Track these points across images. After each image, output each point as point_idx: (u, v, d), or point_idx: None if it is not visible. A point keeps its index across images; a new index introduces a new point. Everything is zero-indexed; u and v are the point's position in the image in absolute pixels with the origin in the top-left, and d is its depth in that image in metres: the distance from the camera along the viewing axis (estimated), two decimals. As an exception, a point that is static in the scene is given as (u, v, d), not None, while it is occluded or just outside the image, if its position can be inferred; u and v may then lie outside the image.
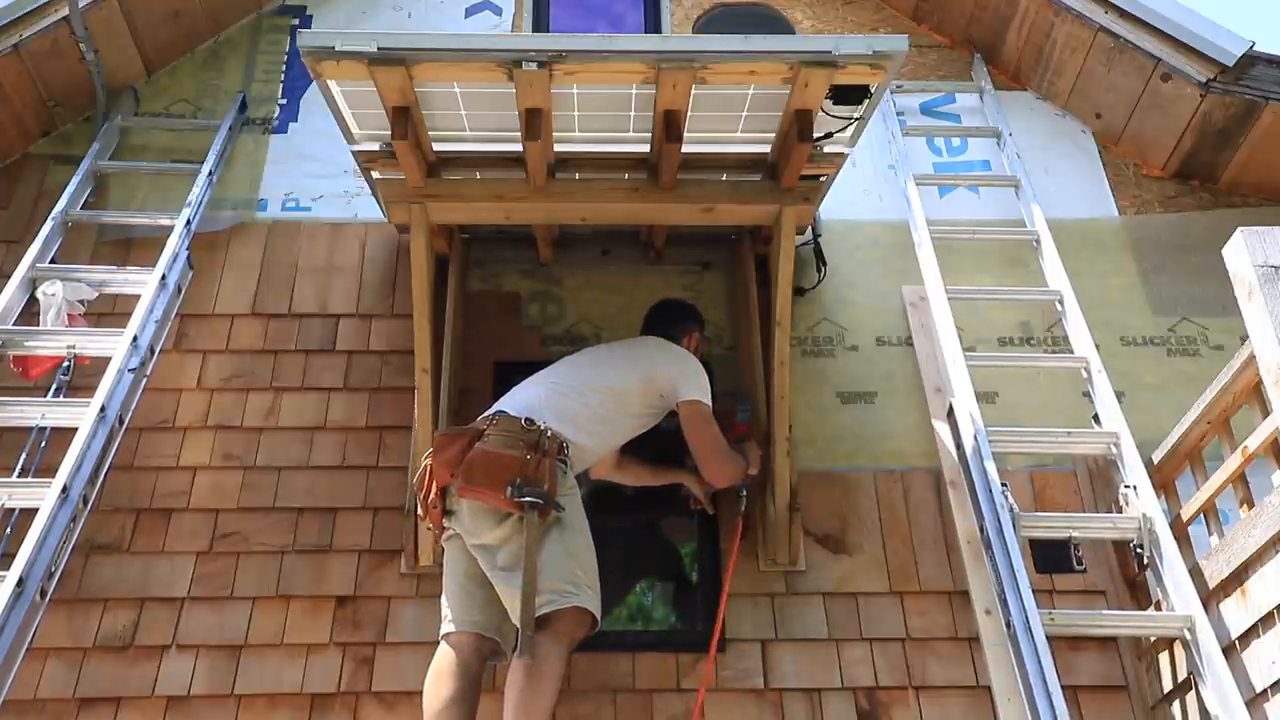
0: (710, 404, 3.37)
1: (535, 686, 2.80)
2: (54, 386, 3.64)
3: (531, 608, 2.81)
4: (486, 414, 3.17)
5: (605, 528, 3.22)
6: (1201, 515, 3.38)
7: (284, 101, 4.75)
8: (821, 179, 3.62)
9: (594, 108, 3.30)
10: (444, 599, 3.11)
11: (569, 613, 2.89)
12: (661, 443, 3.51)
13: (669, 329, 3.63)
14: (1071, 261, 4.18)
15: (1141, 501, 3.38)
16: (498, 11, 5.06)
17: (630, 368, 3.40)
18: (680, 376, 3.37)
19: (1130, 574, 3.57)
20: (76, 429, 3.31)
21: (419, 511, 3.18)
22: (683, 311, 3.76)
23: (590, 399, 3.25)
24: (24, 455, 3.55)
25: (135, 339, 3.60)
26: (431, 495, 3.05)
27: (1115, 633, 3.44)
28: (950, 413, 3.69)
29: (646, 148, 3.44)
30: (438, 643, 3.04)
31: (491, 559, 2.97)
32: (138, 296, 3.77)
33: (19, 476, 3.47)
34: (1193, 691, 3.09)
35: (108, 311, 3.97)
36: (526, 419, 3.07)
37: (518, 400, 3.21)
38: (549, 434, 3.05)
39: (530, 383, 3.33)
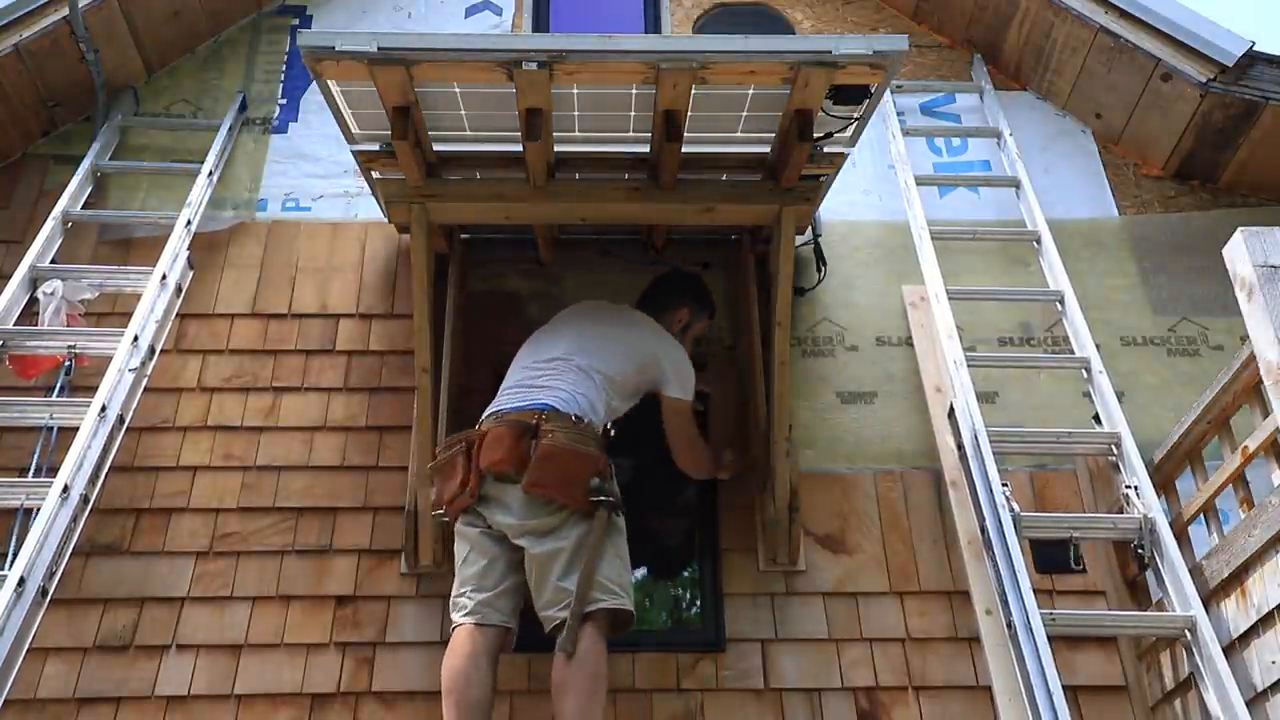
0: (692, 399, 3.48)
1: (594, 688, 2.86)
2: (57, 386, 3.64)
3: (585, 601, 2.89)
4: (525, 406, 3.16)
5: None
6: (1201, 515, 3.38)
7: (284, 101, 4.74)
8: (821, 179, 3.61)
9: (594, 108, 3.30)
10: (462, 586, 3.09)
11: (618, 613, 2.98)
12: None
13: (656, 307, 3.68)
14: (1071, 262, 4.18)
15: (1142, 502, 3.38)
16: (498, 11, 5.06)
17: (628, 354, 3.42)
18: (671, 371, 3.45)
19: (1130, 574, 3.57)
20: (77, 429, 3.30)
21: (442, 498, 3.18)
22: (676, 286, 3.80)
23: (598, 381, 3.29)
24: (36, 455, 3.56)
25: (135, 339, 3.60)
26: (470, 484, 3.07)
27: (1115, 633, 3.44)
28: (950, 413, 3.69)
29: (646, 148, 3.44)
30: (438, 642, 3.04)
31: (538, 541, 3.00)
32: (138, 296, 3.77)
33: (33, 476, 3.48)
34: (1193, 691, 3.09)
35: (108, 311, 3.97)
36: (575, 416, 3.13)
37: (550, 392, 3.20)
38: (612, 433, 3.17)
39: (543, 368, 3.32)
